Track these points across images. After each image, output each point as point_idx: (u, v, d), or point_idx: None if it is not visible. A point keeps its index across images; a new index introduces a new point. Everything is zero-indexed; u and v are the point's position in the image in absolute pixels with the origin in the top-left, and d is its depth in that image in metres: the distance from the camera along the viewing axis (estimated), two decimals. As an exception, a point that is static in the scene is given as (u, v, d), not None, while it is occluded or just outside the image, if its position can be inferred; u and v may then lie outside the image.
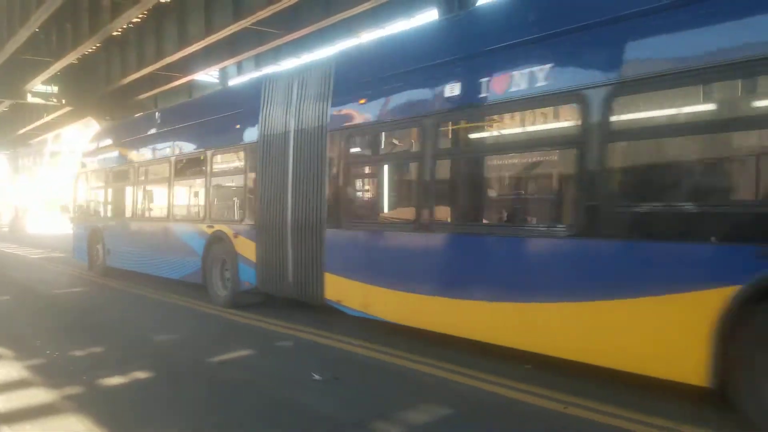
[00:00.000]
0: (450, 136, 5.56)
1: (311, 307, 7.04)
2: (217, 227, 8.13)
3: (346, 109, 6.34)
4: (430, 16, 13.47)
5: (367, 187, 7.09)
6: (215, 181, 8.53)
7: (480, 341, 4.99)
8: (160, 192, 9.78)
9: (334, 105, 6.41)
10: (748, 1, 3.56)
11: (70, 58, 16.29)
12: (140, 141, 10.40)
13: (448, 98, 5.17)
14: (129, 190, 10.58)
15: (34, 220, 34.39)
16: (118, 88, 19.23)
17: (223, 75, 21.88)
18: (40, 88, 19.93)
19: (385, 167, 6.80)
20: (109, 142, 11.65)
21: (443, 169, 5.50)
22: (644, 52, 3.98)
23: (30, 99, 20.36)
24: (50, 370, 5.24)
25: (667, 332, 3.75)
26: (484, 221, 5.67)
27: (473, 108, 5.12)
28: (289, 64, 17.74)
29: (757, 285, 3.35)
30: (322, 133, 6.47)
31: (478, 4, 9.85)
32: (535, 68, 4.50)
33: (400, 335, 5.99)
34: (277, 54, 18.20)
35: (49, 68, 17.07)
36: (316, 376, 4.90)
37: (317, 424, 3.96)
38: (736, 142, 4.08)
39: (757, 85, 3.87)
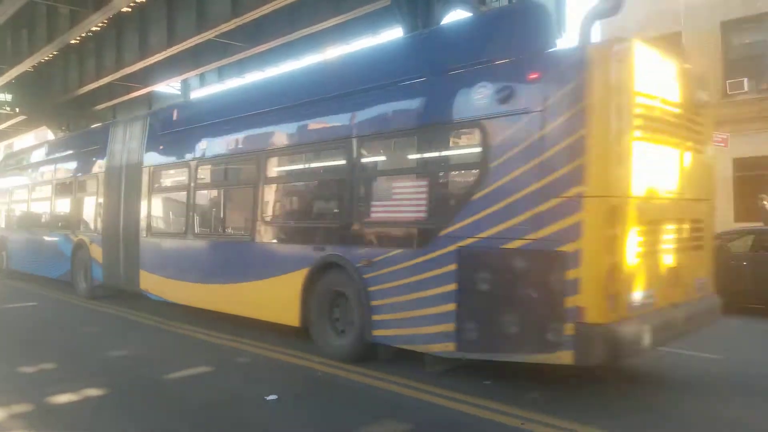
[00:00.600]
0: (201, 176, 8.29)
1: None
2: (79, 237, 10.56)
3: (153, 152, 9.07)
4: (395, 33, 13.62)
5: (163, 208, 9.34)
6: (79, 200, 11.03)
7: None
8: (44, 208, 12.26)
9: (146, 149, 9.14)
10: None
11: (26, 65, 15.85)
12: (33, 166, 13.01)
13: (201, 152, 8.09)
14: (24, 206, 13.13)
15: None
16: (76, 98, 18.78)
17: (185, 86, 21.60)
18: (-8, 95, 19.33)
19: (173, 194, 9.09)
20: (12, 165, 14.16)
21: (200, 197, 8.41)
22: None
23: (-19, 107, 19.72)
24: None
25: (283, 296, 6.42)
26: (215, 232, 8.16)
27: (212, 159, 8.06)
28: (253, 77, 17.68)
29: (314, 267, 6.15)
30: (140, 169, 9.09)
31: (434, 27, 9.98)
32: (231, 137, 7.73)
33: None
34: (241, 67, 18.10)
35: (2, 75, 16.54)
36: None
37: None
38: (308, 189, 7.17)
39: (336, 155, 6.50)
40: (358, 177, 6.05)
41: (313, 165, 7.00)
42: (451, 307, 4.93)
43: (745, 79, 16.94)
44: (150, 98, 20.95)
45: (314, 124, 6.69)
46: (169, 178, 9.19)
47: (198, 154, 8.15)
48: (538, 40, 4.90)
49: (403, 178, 5.96)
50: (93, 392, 5.05)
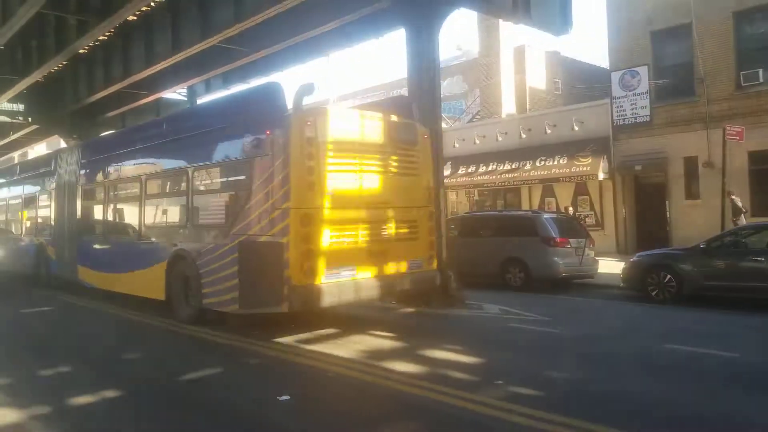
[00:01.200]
0: (110, 193, 11.65)
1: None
2: (40, 240, 14.00)
3: (83, 174, 12.38)
4: (397, 35, 13.79)
5: (90, 217, 12.30)
6: (41, 211, 14.32)
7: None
8: (16, 217, 15.92)
9: (79, 172, 12.45)
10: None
11: (36, 75, 16.17)
12: (4, 184, 16.75)
13: (108, 175, 11.60)
14: (2, 216, 16.71)
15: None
16: (86, 106, 19.11)
17: (191, 93, 21.88)
18: (5, 106, 19.69)
19: (95, 207, 12.13)
20: None
21: (110, 209, 11.71)
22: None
23: (-6, 117, 20.11)
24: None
25: (156, 280, 9.40)
26: (118, 235, 11.38)
27: (114, 180, 11.52)
28: (257, 81, 17.91)
29: (170, 258, 9.16)
30: (75, 187, 12.46)
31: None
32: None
33: (400, 357, 6.33)
34: (245, 72, 18.32)
35: (14, 86, 16.90)
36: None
37: None
38: (168, 202, 10.05)
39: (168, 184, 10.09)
40: (191, 194, 9.12)
41: (169, 185, 10.00)
42: (236, 280, 7.76)
43: (760, 70, 16.54)
44: (158, 105, 21.27)
45: (166, 158, 9.99)
46: (92, 195, 12.32)
47: (106, 177, 11.74)
48: (272, 109, 7.78)
49: (212, 195, 9.07)
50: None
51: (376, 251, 8.17)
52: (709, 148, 17.39)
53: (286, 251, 7.28)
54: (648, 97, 18.59)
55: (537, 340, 7.99)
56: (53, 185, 13.37)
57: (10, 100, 19.02)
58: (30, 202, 14.88)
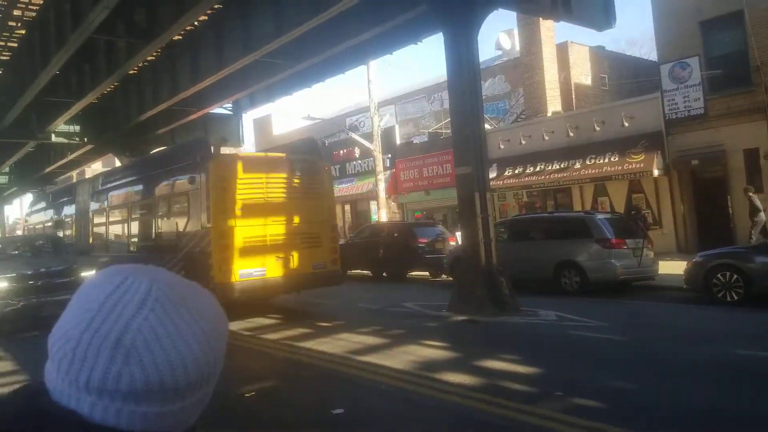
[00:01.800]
0: (110, 218, 14.41)
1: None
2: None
3: (92, 203, 15.82)
4: (436, 39, 13.67)
5: (99, 237, 15.24)
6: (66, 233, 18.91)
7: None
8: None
9: (90, 201, 15.91)
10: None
11: (90, 98, 16.74)
12: (43, 210, 22.37)
13: (107, 204, 14.48)
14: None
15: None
16: (137, 125, 19.68)
17: (237, 107, 22.29)
18: (62, 128, 20.47)
19: (100, 229, 15.05)
20: (32, 212, 25.02)
21: (111, 231, 14.37)
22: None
23: (54, 139, 20.93)
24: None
25: None
26: (115, 250, 13.84)
27: (110, 208, 14.48)
28: (300, 93, 18.10)
29: None
30: (87, 212, 16.06)
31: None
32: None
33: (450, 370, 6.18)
34: (287, 84, 18.51)
35: (70, 108, 17.54)
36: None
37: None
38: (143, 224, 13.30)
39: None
40: (156, 217, 12.46)
41: (142, 211, 13.26)
42: None
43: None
44: (206, 119, 21.73)
45: (138, 191, 13.46)
46: (97, 219, 15.53)
47: (105, 205, 14.92)
48: (200, 155, 10.96)
49: (168, 217, 12.13)
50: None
51: (284, 257, 10.91)
52: (770, 138, 16.52)
53: (210, 258, 10.24)
54: (701, 88, 17.80)
55: (597, 347, 7.66)
56: (73, 211, 18.45)
57: (66, 122, 19.76)
58: (60, 225, 19.99)
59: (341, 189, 28.40)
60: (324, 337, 8.84)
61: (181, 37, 15.08)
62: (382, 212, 23.55)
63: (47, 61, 13.75)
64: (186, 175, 11.22)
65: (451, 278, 14.19)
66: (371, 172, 25.08)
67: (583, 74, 26.02)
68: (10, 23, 14.19)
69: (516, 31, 26.56)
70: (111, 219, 14.58)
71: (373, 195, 25.06)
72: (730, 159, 17.75)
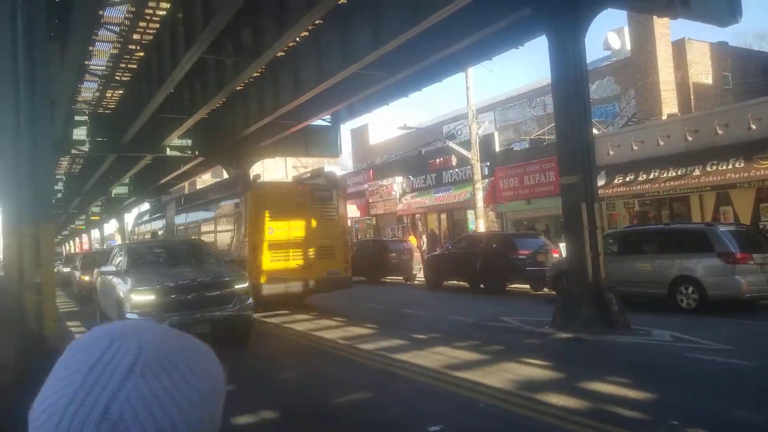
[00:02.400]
0: (189, 232, 18.66)
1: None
2: None
3: (177, 217, 19.77)
4: (538, 41, 13.15)
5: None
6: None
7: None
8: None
9: (175, 215, 19.83)
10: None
11: (201, 113, 17.69)
12: (145, 223, 26.69)
13: (186, 219, 19.35)
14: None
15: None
16: (243, 138, 20.60)
17: (335, 118, 22.75)
18: (176, 142, 21.82)
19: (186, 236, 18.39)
20: (137, 224, 29.17)
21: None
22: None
23: (168, 152, 22.36)
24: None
25: None
26: None
27: (189, 223, 19.08)
28: (397, 104, 18.11)
29: None
30: (173, 225, 19.97)
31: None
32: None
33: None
34: (385, 95, 18.60)
35: (183, 124, 18.66)
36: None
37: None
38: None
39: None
40: (215, 232, 15.87)
41: (208, 227, 16.80)
42: None
43: None
44: (306, 131, 22.35)
45: (206, 210, 17.29)
46: (182, 232, 19.07)
47: (187, 220, 18.96)
48: (241, 186, 14.66)
49: (223, 233, 15.60)
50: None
51: (303, 265, 13.73)
52: None
53: (246, 265, 12.97)
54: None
55: (718, 372, 6.90)
56: (163, 225, 21.47)
57: (179, 137, 21.04)
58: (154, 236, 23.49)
59: (437, 198, 28.16)
60: (419, 349, 8.65)
61: (283, 54, 15.59)
62: (479, 222, 23.04)
63: (163, 81, 14.67)
64: (234, 200, 15.07)
65: (554, 292, 13.54)
66: (468, 180, 24.65)
67: (702, 73, 24.13)
68: (131, 46, 15.31)
69: (627, 30, 25.19)
70: (189, 231, 18.68)
71: (470, 204, 24.62)
72: None
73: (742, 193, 18.30)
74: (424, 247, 26.76)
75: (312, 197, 14.71)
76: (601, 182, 19.02)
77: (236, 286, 9.55)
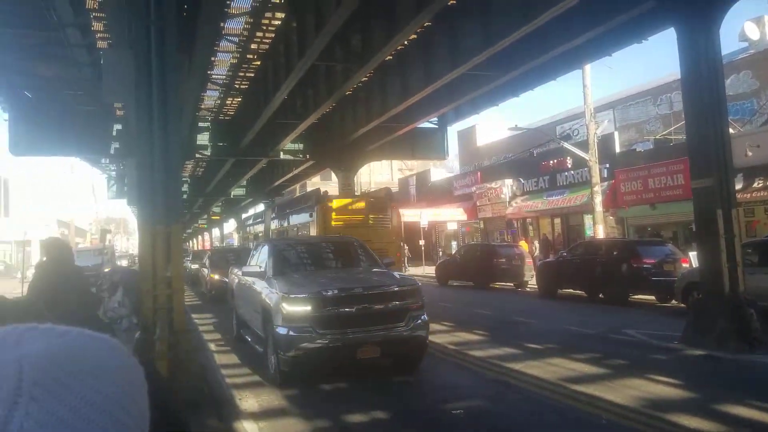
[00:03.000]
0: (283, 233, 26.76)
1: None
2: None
3: (274, 221, 29.51)
4: (663, 35, 12.23)
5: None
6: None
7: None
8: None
9: (272, 220, 29.61)
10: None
11: (312, 119, 18.26)
12: (251, 225, 38.72)
13: (281, 223, 27.69)
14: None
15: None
16: (351, 142, 21.02)
17: (442, 120, 22.59)
18: (289, 146, 22.70)
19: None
20: (246, 226, 41.69)
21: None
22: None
23: (282, 156, 23.32)
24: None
25: None
26: None
27: (285, 227, 26.75)
28: (505, 104, 17.64)
29: None
30: (269, 228, 29.29)
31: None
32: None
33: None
34: (494, 95, 18.19)
35: (296, 129, 19.36)
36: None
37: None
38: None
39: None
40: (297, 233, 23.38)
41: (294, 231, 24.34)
42: None
43: None
44: (413, 134, 22.39)
45: (291, 217, 25.40)
46: (275, 234, 25.49)
47: (277, 225, 27.47)
48: (315, 201, 20.78)
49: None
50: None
51: None
52: None
53: None
54: None
55: None
56: (263, 229, 27.27)
57: (292, 141, 21.85)
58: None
59: (550, 201, 27.11)
60: (533, 359, 8.30)
61: (391, 57, 15.68)
62: (598, 227, 21.86)
63: (277, 88, 15.28)
64: (309, 211, 20.40)
65: (683, 305, 12.49)
66: (585, 183, 23.48)
67: None
68: (248, 56, 16.09)
69: (767, 19, 22.87)
70: (280, 234, 24.59)
71: (587, 208, 23.44)
72: None
73: None
74: (537, 252, 25.84)
75: (368, 208, 19.22)
76: (738, 186, 17.30)
77: (409, 299, 7.58)
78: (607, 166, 23.97)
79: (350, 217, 18.52)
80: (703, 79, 9.65)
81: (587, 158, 21.80)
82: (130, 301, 7.60)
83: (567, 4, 10.22)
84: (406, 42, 14.40)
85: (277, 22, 14.04)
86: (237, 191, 36.34)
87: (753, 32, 24.80)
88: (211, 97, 19.76)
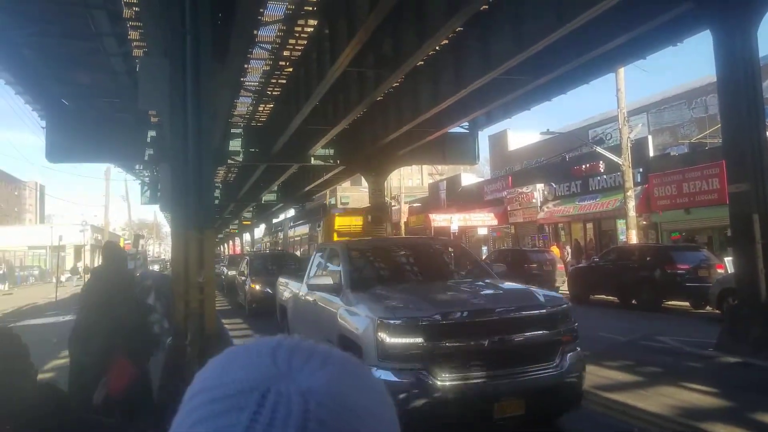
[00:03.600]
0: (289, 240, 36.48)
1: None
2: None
3: (289, 230, 36.48)
4: (702, 39, 12.00)
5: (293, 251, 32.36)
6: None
7: None
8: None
9: (289, 230, 36.72)
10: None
11: (343, 124, 18.42)
12: (280, 229, 42.83)
13: (296, 232, 35.15)
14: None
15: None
16: (382, 147, 21.10)
17: (473, 125, 22.52)
18: (320, 152, 22.92)
19: (292, 247, 33.89)
20: (270, 233, 47.24)
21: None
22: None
23: (313, 162, 23.56)
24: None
25: None
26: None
27: (295, 235, 35.30)
28: (539, 108, 17.49)
29: None
30: (288, 237, 36.41)
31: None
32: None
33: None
34: (526, 100, 18.07)
35: (326, 135, 19.56)
36: None
37: None
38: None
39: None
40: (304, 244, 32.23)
41: (299, 240, 33.92)
42: None
43: None
44: (443, 139, 22.37)
45: (303, 227, 33.55)
46: (291, 243, 33.96)
47: (292, 233, 35.14)
48: (321, 212, 34.52)
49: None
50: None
51: None
52: None
53: None
54: None
55: None
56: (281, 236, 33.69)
57: (323, 147, 22.08)
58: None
59: (582, 206, 26.75)
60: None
61: (422, 63, 15.73)
62: (631, 232, 21.48)
63: (309, 94, 15.47)
64: (318, 222, 25.71)
65: (718, 311, 12.21)
66: (618, 188, 23.12)
67: None
68: (281, 63, 16.34)
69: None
70: (294, 243, 30.71)
71: (620, 213, 23.07)
72: None
73: None
74: (569, 258, 25.51)
75: (370, 219, 23.31)
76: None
77: (561, 326, 5.15)
78: (641, 170, 23.54)
79: (353, 226, 24.07)
80: (740, 81, 9.47)
81: (620, 163, 21.46)
82: (162, 305, 7.77)
83: (602, 6, 10.12)
84: (437, 47, 14.43)
85: (309, 29, 14.23)
86: (268, 197, 36.81)
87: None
88: (243, 104, 20.11)
